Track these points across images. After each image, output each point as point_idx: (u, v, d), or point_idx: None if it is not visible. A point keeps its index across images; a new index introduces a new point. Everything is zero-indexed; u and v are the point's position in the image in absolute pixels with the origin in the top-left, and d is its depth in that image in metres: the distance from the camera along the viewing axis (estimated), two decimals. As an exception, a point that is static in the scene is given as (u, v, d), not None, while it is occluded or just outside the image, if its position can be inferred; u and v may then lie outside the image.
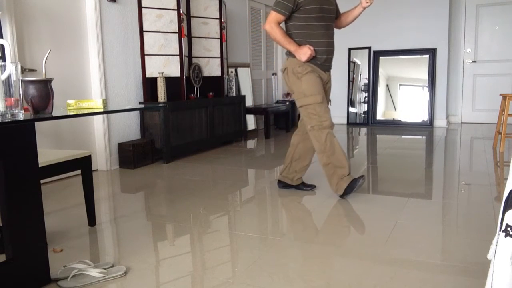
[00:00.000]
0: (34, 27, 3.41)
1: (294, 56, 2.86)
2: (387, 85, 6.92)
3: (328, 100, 3.02)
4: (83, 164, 2.39)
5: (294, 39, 2.86)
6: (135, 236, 2.30)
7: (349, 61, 7.14)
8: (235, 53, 6.04)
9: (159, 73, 4.25)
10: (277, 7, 2.79)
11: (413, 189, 3.10)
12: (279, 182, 3.19)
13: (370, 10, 6.83)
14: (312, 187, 3.16)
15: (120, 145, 4.08)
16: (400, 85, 6.87)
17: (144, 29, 4.24)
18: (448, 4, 6.50)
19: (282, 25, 2.89)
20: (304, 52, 2.78)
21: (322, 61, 2.88)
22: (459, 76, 6.98)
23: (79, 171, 2.40)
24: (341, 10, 3.11)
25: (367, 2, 2.84)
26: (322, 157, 2.86)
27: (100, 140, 3.99)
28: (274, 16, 2.81)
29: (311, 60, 2.84)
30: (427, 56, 6.66)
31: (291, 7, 2.77)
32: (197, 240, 2.22)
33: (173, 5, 4.37)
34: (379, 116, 6.97)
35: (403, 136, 5.77)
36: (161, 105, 4.21)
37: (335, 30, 3.08)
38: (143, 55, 4.27)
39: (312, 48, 2.80)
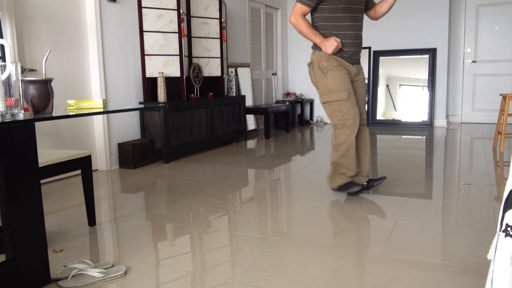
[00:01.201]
0: (34, 27, 3.41)
1: (320, 50, 2.75)
2: (387, 85, 6.92)
3: (364, 96, 2.90)
4: (83, 164, 2.39)
5: (320, 32, 2.74)
6: (135, 236, 2.30)
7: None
8: (235, 53, 6.04)
9: (159, 73, 4.25)
10: None
11: (413, 189, 3.10)
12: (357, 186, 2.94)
13: (370, 10, 6.83)
14: (382, 179, 2.98)
15: (120, 145, 4.08)
16: (400, 85, 6.87)
17: (144, 29, 4.24)
18: (448, 4, 6.50)
19: (308, 17, 2.79)
20: (330, 44, 2.67)
21: (349, 54, 2.76)
22: (459, 76, 6.98)
23: (79, 171, 2.40)
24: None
25: None
26: (333, 154, 2.82)
27: (100, 140, 3.99)
28: (299, 7, 2.70)
29: (338, 52, 2.73)
30: (427, 56, 6.66)
31: None
32: (197, 240, 2.22)
33: (173, 5, 4.37)
34: (379, 116, 6.97)
35: (403, 136, 5.77)
36: (161, 105, 4.21)
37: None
38: (143, 55, 4.27)
39: (338, 40, 2.68)
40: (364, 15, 2.92)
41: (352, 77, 2.82)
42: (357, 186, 2.84)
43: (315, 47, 2.80)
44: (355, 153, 2.78)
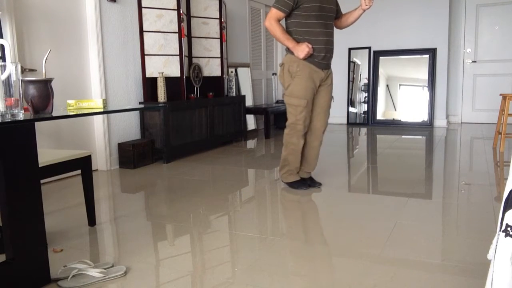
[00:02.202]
0: (34, 27, 3.41)
1: (292, 53, 2.90)
2: (387, 85, 6.92)
3: (331, 98, 3.10)
4: (83, 164, 2.39)
5: (293, 36, 2.90)
6: (135, 236, 2.30)
7: (349, 61, 7.14)
8: (235, 53, 6.04)
9: (159, 73, 4.25)
10: (278, 4, 2.84)
11: (413, 189, 3.10)
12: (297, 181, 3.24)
13: (370, 10, 6.83)
14: (319, 184, 3.23)
15: (120, 145, 4.08)
16: (400, 85, 6.87)
17: (144, 29, 4.24)
18: (448, 4, 6.50)
19: (282, 22, 2.94)
20: (302, 49, 2.83)
21: (319, 59, 2.92)
22: (459, 76, 6.98)
23: (79, 171, 2.40)
24: (343, 11, 3.14)
25: (366, 5, 2.91)
26: (284, 150, 3.11)
27: (100, 140, 3.99)
28: (274, 13, 2.86)
29: (309, 57, 2.88)
30: (427, 56, 6.66)
31: (291, 5, 2.82)
32: (197, 240, 2.22)
33: (173, 5, 4.37)
34: (379, 116, 6.97)
35: (403, 136, 5.77)
36: (161, 105, 4.21)
37: (336, 30, 3.11)
38: (143, 55, 4.27)
39: (310, 45, 2.84)
40: None
41: (320, 82, 2.99)
42: (305, 186, 3.12)
43: (288, 50, 2.95)
44: (300, 155, 3.08)
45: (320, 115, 3.07)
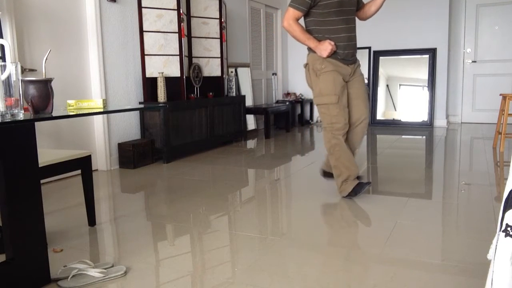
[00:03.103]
0: (34, 27, 3.41)
1: (315, 52, 2.79)
2: (387, 85, 6.92)
3: (366, 89, 2.93)
4: (83, 164, 2.39)
5: (313, 35, 2.78)
6: (135, 236, 2.30)
7: (349, 61, 7.14)
8: (235, 53, 6.04)
9: (159, 73, 4.25)
10: (295, 3, 2.72)
11: (413, 189, 3.10)
12: (324, 172, 3.12)
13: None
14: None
15: (120, 145, 4.08)
16: (400, 85, 6.87)
17: (144, 29, 4.24)
18: (448, 4, 6.50)
19: (301, 21, 2.82)
20: (325, 48, 2.71)
21: (343, 56, 2.79)
22: (459, 76, 6.98)
23: (79, 171, 2.40)
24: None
25: None
26: (331, 158, 2.87)
27: (100, 140, 3.99)
28: (291, 12, 2.73)
29: (332, 55, 2.76)
30: (427, 56, 6.66)
31: (309, 3, 2.70)
32: (197, 240, 2.22)
33: (173, 5, 4.37)
34: (379, 116, 6.97)
35: (403, 136, 5.77)
36: (161, 105, 4.21)
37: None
38: (143, 55, 4.27)
39: (332, 43, 2.72)
40: None
41: (349, 78, 2.85)
42: (365, 185, 2.84)
43: (310, 49, 2.83)
44: (350, 152, 2.83)
45: (358, 106, 2.86)
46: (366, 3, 2.98)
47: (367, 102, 2.92)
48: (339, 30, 2.76)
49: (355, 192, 2.83)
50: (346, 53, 2.79)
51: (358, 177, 2.92)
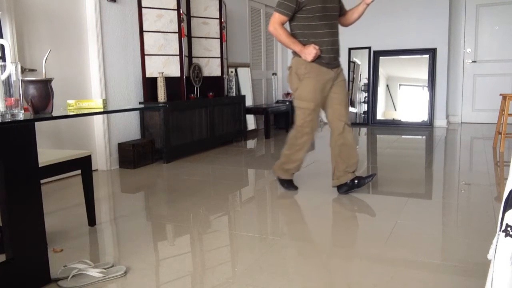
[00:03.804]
0: (34, 27, 3.41)
1: (300, 56, 2.85)
2: (387, 85, 6.92)
3: (347, 94, 3.03)
4: (83, 164, 2.39)
5: (298, 39, 2.85)
6: (135, 236, 2.30)
7: (349, 61, 7.14)
8: (235, 53, 6.04)
9: (159, 73, 4.25)
10: (280, 8, 2.80)
11: (413, 189, 3.10)
12: (338, 187, 3.04)
13: (370, 10, 6.82)
14: (372, 176, 3.00)
15: (120, 145, 4.08)
16: (400, 85, 6.87)
17: (144, 29, 4.24)
18: (448, 4, 6.50)
19: (286, 25, 2.90)
20: (309, 52, 2.78)
21: (327, 60, 2.86)
22: (459, 76, 6.98)
23: (79, 171, 2.40)
24: (347, 7, 3.08)
25: None
26: (288, 148, 3.06)
27: (100, 140, 3.99)
28: (277, 17, 2.82)
29: (317, 59, 2.83)
30: (427, 56, 6.66)
31: (293, 7, 2.77)
32: (197, 240, 2.22)
33: (173, 5, 4.37)
34: (379, 116, 6.97)
35: (403, 136, 5.77)
36: (161, 105, 4.21)
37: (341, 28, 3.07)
38: (143, 55, 4.27)
39: (317, 47, 2.79)
40: None
41: (332, 82, 2.94)
42: (293, 188, 3.15)
43: (295, 53, 2.90)
44: (305, 154, 3.05)
45: (339, 111, 2.95)
46: (348, 10, 3.07)
47: (348, 107, 3.05)
48: (323, 35, 2.84)
49: (283, 184, 3.16)
50: (329, 57, 2.88)
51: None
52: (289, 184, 3.15)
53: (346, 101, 3.01)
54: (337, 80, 2.96)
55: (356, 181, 2.97)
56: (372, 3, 2.93)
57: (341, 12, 3.02)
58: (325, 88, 2.91)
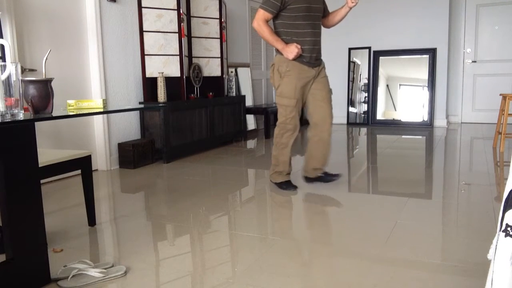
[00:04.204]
0: (34, 27, 3.41)
1: (282, 54, 2.92)
2: (387, 85, 6.92)
3: (329, 89, 3.09)
4: (83, 164, 2.39)
5: (281, 37, 2.92)
6: (135, 236, 2.30)
7: (349, 61, 7.14)
8: (235, 53, 6.04)
9: (159, 73, 4.25)
10: (265, 5, 2.87)
11: (413, 189, 3.10)
12: (307, 178, 3.25)
13: (370, 10, 6.83)
14: (337, 176, 3.21)
15: (120, 145, 4.08)
16: (400, 85, 6.87)
17: (144, 29, 4.24)
18: (448, 4, 6.50)
19: (270, 23, 2.96)
20: (291, 51, 2.84)
21: (308, 59, 2.94)
22: (459, 76, 6.98)
23: (79, 171, 2.40)
24: (330, 9, 3.17)
25: (352, 2, 2.90)
26: (274, 149, 3.10)
27: (100, 140, 3.99)
28: (262, 14, 2.89)
29: (298, 58, 2.90)
30: (427, 56, 6.66)
31: (278, 6, 2.84)
32: (197, 240, 2.22)
33: (173, 5, 4.37)
34: (379, 116, 6.97)
35: (403, 136, 5.77)
36: (161, 105, 4.21)
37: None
38: (143, 55, 4.27)
39: (299, 46, 2.85)
40: None
41: (313, 80, 3.00)
42: (293, 187, 3.10)
43: (278, 51, 2.96)
44: (290, 151, 3.06)
45: (321, 107, 3.03)
46: (331, 12, 3.13)
47: (330, 104, 3.09)
48: (305, 34, 2.90)
49: (281, 186, 3.11)
50: (311, 56, 2.94)
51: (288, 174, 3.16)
52: (287, 185, 3.14)
53: (329, 98, 3.08)
54: (318, 77, 3.03)
55: (322, 175, 3.19)
56: (354, 7, 2.98)
57: (324, 13, 3.09)
58: (306, 85, 2.99)
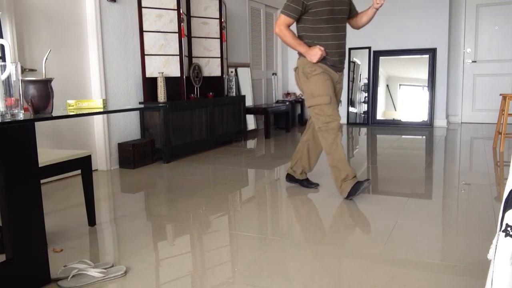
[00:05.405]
0: (34, 27, 3.41)
1: (305, 56, 2.85)
2: (387, 85, 6.92)
3: (339, 101, 3.04)
4: (83, 164, 2.39)
5: (304, 41, 2.85)
6: (135, 236, 2.30)
7: (349, 61, 7.14)
8: (235, 53, 6.04)
9: (159, 73, 4.25)
10: (286, 10, 2.81)
11: (413, 189, 3.10)
12: (287, 176, 3.25)
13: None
14: (315, 185, 3.20)
15: (120, 145, 4.08)
16: (400, 85, 6.87)
17: (144, 29, 4.24)
18: (448, 4, 6.50)
19: (293, 27, 2.89)
20: (315, 53, 2.77)
21: (332, 63, 2.87)
22: (459, 76, 6.98)
23: (79, 171, 2.40)
24: (359, 9, 3.08)
25: (378, 3, 2.84)
26: (329, 158, 2.87)
27: (100, 140, 3.99)
28: (283, 19, 2.82)
29: (322, 60, 2.83)
30: (427, 56, 6.66)
31: (300, 10, 2.78)
32: (197, 240, 2.22)
33: (173, 5, 4.37)
34: (379, 116, 6.97)
35: (403, 136, 5.77)
36: (161, 105, 4.21)
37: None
38: (143, 55, 4.27)
39: (322, 48, 2.78)
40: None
41: (334, 84, 2.92)
42: (364, 183, 2.79)
43: (301, 54, 2.90)
44: (343, 151, 2.83)
45: None
46: (359, 12, 3.05)
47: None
48: (328, 38, 2.84)
49: (354, 190, 2.80)
50: (334, 60, 2.88)
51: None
52: (359, 185, 2.79)
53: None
54: (338, 86, 2.98)
55: (304, 181, 3.18)
56: (381, 8, 2.90)
57: (352, 14, 3.01)
58: (333, 83, 2.89)
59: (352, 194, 2.82)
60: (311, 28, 2.83)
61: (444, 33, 6.56)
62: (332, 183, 3.21)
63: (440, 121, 6.74)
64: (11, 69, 1.53)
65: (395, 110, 6.88)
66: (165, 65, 4.41)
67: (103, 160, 4.00)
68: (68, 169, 2.30)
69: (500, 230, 0.98)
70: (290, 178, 3.24)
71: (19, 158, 1.63)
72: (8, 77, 1.52)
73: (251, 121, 6.29)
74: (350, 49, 7.10)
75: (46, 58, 1.88)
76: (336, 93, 2.95)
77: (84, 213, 2.59)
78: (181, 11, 4.41)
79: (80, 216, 2.64)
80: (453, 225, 2.37)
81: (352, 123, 7.18)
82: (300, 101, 7.13)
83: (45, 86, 1.72)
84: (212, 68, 5.08)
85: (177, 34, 4.41)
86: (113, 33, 4.03)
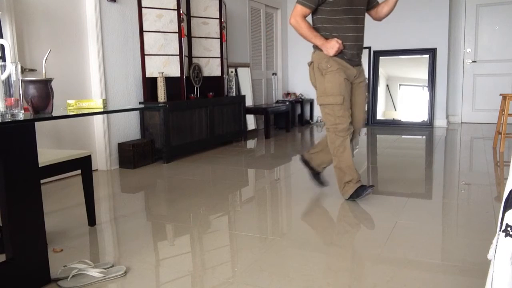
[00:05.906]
0: (34, 27, 3.41)
1: (321, 50, 2.72)
2: (387, 85, 6.92)
3: (366, 98, 2.91)
4: (83, 164, 2.39)
5: (320, 33, 2.71)
6: (135, 236, 2.30)
7: (349, 61, 7.14)
8: (235, 53, 6.04)
9: (159, 73, 4.25)
10: (303, 0, 2.66)
11: (413, 189, 3.10)
12: (303, 158, 3.13)
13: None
14: (322, 184, 3.15)
15: (120, 145, 4.08)
16: (400, 85, 6.87)
17: (144, 29, 4.24)
18: (448, 4, 6.50)
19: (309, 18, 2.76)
20: (332, 46, 2.64)
21: (350, 56, 2.73)
22: (459, 76, 6.98)
23: (79, 171, 2.40)
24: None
25: None
26: (334, 159, 2.83)
27: (100, 140, 3.99)
28: (299, 9, 2.67)
29: (339, 54, 2.70)
30: (427, 56, 6.66)
31: (317, 0, 2.64)
32: (197, 240, 2.22)
33: (173, 5, 4.37)
34: (379, 116, 6.97)
35: (403, 136, 5.77)
36: (161, 105, 4.20)
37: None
38: (143, 55, 4.27)
39: (340, 41, 2.65)
40: (366, 14, 2.88)
41: (353, 79, 2.80)
42: (368, 189, 2.77)
43: (316, 47, 2.76)
44: (351, 154, 2.77)
45: (353, 115, 2.83)
46: (380, 2, 2.90)
47: (364, 113, 2.90)
48: (347, 29, 2.69)
49: (357, 194, 2.78)
50: (352, 53, 2.73)
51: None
52: (362, 189, 2.77)
53: (364, 105, 2.87)
54: (358, 80, 2.83)
55: (317, 175, 3.13)
56: None
57: (372, 4, 2.87)
58: (348, 82, 2.76)
59: (354, 197, 2.81)
60: (328, 19, 2.68)
61: (444, 33, 6.56)
62: (334, 183, 3.21)
63: (440, 121, 6.74)
64: (11, 69, 1.53)
65: (395, 110, 6.88)
66: (165, 65, 4.41)
67: (103, 160, 4.00)
68: (68, 169, 2.30)
69: (500, 230, 0.98)
70: (304, 161, 3.11)
71: (19, 158, 1.63)
72: (8, 77, 1.52)
73: (251, 121, 6.29)
74: (350, 49, 7.09)
75: (46, 58, 1.88)
76: (355, 90, 2.82)
77: (84, 213, 2.59)
78: (181, 11, 4.41)
79: (80, 216, 2.64)
80: (453, 225, 2.37)
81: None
82: (300, 101, 7.13)
83: (45, 86, 1.72)
84: (212, 68, 5.08)
85: (177, 34, 4.41)
86: (113, 33, 4.03)
